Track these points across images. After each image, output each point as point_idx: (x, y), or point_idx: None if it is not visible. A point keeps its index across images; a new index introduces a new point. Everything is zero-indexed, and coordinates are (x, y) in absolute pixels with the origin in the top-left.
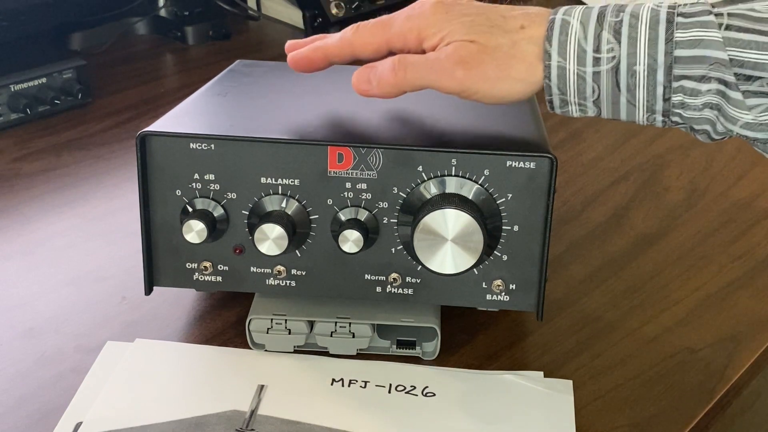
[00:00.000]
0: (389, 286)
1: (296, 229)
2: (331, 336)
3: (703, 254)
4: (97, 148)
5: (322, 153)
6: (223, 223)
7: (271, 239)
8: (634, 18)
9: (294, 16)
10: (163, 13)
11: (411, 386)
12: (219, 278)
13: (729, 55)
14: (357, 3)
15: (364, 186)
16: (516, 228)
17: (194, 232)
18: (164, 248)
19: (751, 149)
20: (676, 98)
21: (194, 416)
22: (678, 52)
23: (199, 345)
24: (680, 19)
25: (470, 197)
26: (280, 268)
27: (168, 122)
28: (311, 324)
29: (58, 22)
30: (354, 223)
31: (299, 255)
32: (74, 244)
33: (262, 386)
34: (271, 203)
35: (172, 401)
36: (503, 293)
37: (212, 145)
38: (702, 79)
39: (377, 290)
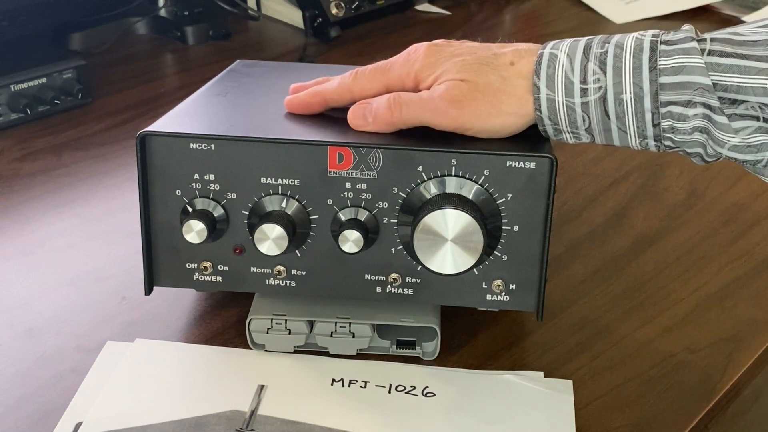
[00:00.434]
0: (389, 286)
1: (296, 229)
2: (331, 336)
3: (703, 254)
4: (97, 148)
5: (322, 153)
6: (223, 223)
7: (271, 239)
8: (619, 48)
9: (294, 16)
10: (163, 13)
11: (411, 386)
12: (219, 278)
13: (712, 80)
14: (357, 3)
15: (364, 186)
16: (516, 228)
17: (194, 232)
18: (164, 248)
19: None
20: (666, 123)
21: (194, 416)
22: (663, 79)
23: (199, 345)
24: (663, 47)
25: (470, 197)
26: (280, 268)
27: (168, 122)
28: (311, 324)
29: (58, 22)
30: (354, 223)
31: (299, 255)
32: (74, 244)
33: (262, 386)
34: (271, 203)
35: (172, 401)
36: (503, 293)
37: (212, 145)
38: (688, 104)
39: (377, 290)
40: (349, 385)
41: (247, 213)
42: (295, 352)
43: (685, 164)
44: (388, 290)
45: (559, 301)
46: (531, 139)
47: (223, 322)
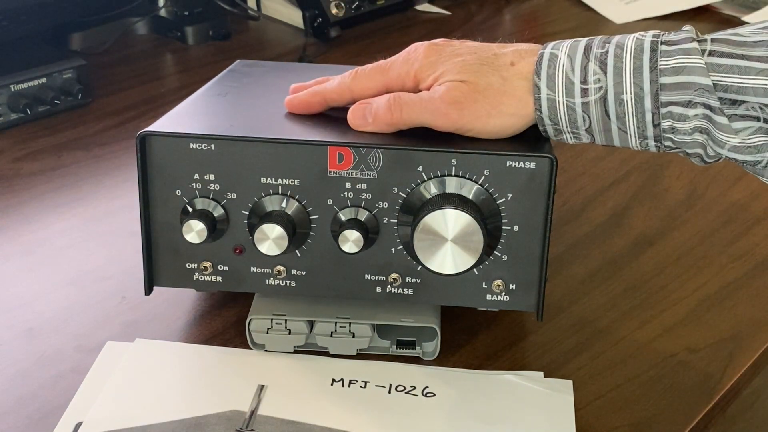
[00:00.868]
0: (389, 286)
1: (296, 229)
2: (331, 336)
3: (703, 254)
4: (97, 148)
5: (322, 153)
6: (223, 223)
7: (271, 239)
8: (619, 48)
9: (294, 16)
10: (163, 13)
11: (411, 386)
12: (219, 278)
13: (713, 80)
14: (357, 3)
15: (364, 186)
16: (516, 228)
17: (194, 232)
18: (164, 248)
19: None
20: (666, 124)
21: (194, 416)
22: (663, 80)
23: (199, 345)
24: (664, 47)
25: (470, 197)
26: (280, 268)
27: (168, 122)
28: (311, 324)
29: (58, 22)
30: (354, 223)
31: (299, 255)
32: (74, 244)
33: (262, 386)
34: (271, 203)
35: (172, 401)
36: (503, 293)
37: (212, 145)
38: (688, 104)
39: (377, 290)
40: (349, 385)
41: (247, 213)
42: (295, 352)
43: (685, 164)
44: (388, 290)
45: (559, 301)
46: (531, 139)
47: (223, 322)
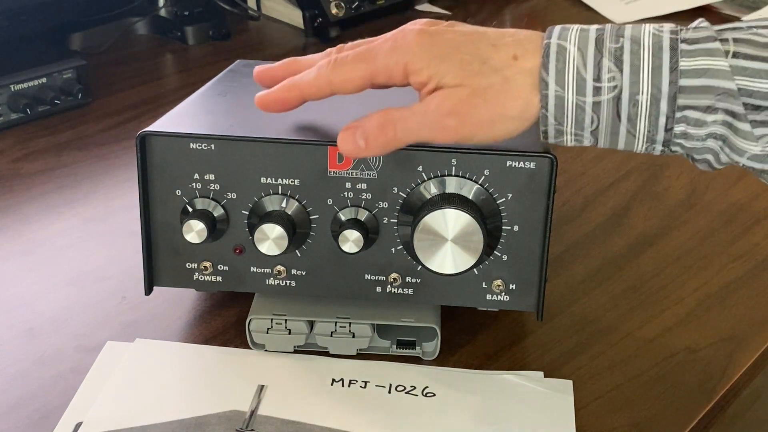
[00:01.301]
0: (389, 286)
1: (296, 229)
2: (331, 336)
3: (703, 254)
4: (97, 148)
5: (322, 153)
6: (223, 223)
7: (271, 239)
8: (636, 44)
9: (294, 16)
10: (163, 13)
11: (411, 386)
12: (219, 278)
13: (737, 84)
14: (357, 3)
15: (364, 186)
16: (516, 228)
17: (194, 232)
18: (164, 248)
19: None
20: (679, 128)
21: (194, 416)
22: (683, 82)
23: (199, 345)
24: (684, 46)
25: (470, 197)
26: (280, 268)
27: (168, 122)
28: (311, 324)
29: (58, 22)
30: (354, 223)
31: (299, 255)
32: (74, 244)
33: (262, 386)
34: (271, 203)
35: (172, 401)
36: (503, 293)
37: (212, 145)
38: (708, 109)
39: (377, 290)
40: (349, 385)
41: (247, 213)
42: (295, 352)
43: (686, 164)
44: (388, 290)
45: (559, 301)
46: (531, 138)
47: (223, 322)
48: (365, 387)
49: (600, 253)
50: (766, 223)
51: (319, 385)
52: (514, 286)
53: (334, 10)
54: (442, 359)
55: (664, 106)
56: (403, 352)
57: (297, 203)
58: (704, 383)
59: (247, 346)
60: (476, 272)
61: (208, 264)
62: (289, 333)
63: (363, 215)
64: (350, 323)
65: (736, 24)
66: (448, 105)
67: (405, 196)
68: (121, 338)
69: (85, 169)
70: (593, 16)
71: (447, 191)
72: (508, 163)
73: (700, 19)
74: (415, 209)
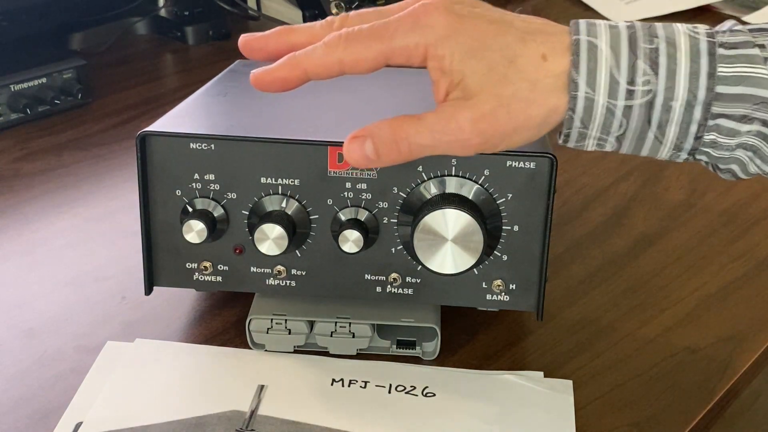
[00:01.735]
0: (389, 286)
1: (296, 229)
2: (331, 336)
3: (703, 254)
4: (97, 148)
5: (322, 153)
6: (223, 223)
7: (271, 239)
8: (672, 47)
9: (294, 16)
10: (163, 13)
11: (411, 386)
12: (219, 278)
13: None
14: (357, 3)
15: (364, 186)
16: (516, 228)
17: (194, 232)
18: (164, 248)
19: None
20: (709, 137)
21: (194, 416)
22: (720, 89)
23: (199, 345)
24: (722, 51)
25: (470, 197)
26: (280, 268)
27: (168, 122)
28: (311, 324)
29: (58, 22)
30: (354, 223)
31: (299, 255)
32: (74, 244)
33: (262, 386)
34: (271, 203)
35: (172, 401)
36: (503, 293)
37: (212, 145)
38: (743, 119)
39: (377, 290)
40: (349, 385)
41: (247, 213)
42: (295, 352)
43: (685, 164)
44: (388, 290)
45: (559, 301)
46: None
47: (223, 322)
48: (365, 387)
49: (600, 253)
50: (766, 223)
51: (319, 385)
52: (514, 286)
53: (334, 10)
54: (442, 359)
55: (697, 113)
56: (403, 352)
57: (297, 203)
58: (704, 383)
59: (247, 346)
60: (476, 272)
61: (208, 264)
62: (289, 333)
63: (363, 215)
64: (350, 323)
65: (763, 25)
66: (470, 121)
67: (405, 196)
68: (121, 338)
69: (85, 169)
70: (593, 16)
71: (447, 191)
72: (508, 163)
73: (732, 22)
74: (415, 209)
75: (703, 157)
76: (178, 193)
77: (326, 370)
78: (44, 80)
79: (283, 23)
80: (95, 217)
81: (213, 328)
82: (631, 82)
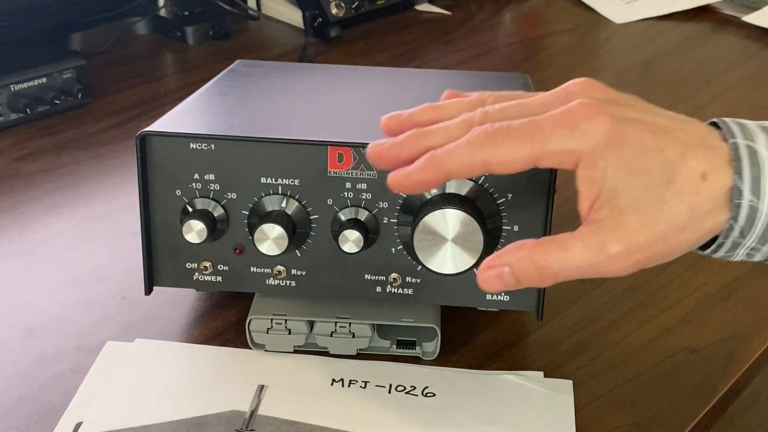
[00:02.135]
0: (389, 286)
1: (296, 229)
2: (331, 336)
3: None
4: (97, 148)
5: (322, 153)
6: (223, 223)
7: (271, 239)
8: None
9: (294, 16)
10: (163, 13)
11: (411, 386)
12: (219, 278)
13: None
14: (357, 3)
15: (364, 186)
16: (516, 228)
17: (194, 232)
18: (164, 248)
19: None
20: None
21: (194, 416)
22: None
23: (199, 345)
24: None
25: (470, 197)
26: (280, 268)
27: (168, 122)
28: (311, 324)
29: (58, 22)
30: (354, 223)
31: (299, 255)
32: (74, 244)
33: (262, 386)
34: (271, 203)
35: (172, 401)
36: (503, 293)
37: (212, 145)
38: None
39: (377, 290)
40: (349, 385)
41: (247, 213)
42: (295, 352)
43: None
44: (388, 290)
45: (559, 301)
46: None
47: (223, 322)
48: (365, 387)
49: None
50: None
51: (319, 385)
52: None
53: (334, 10)
54: (442, 359)
55: None
56: (403, 352)
57: (297, 203)
58: (704, 383)
59: (247, 346)
60: (476, 272)
61: (208, 264)
62: (289, 333)
63: (363, 215)
64: (350, 323)
65: None
66: (622, 255)
67: (405, 196)
68: (121, 338)
69: (85, 169)
70: (593, 16)
71: (447, 191)
72: None
73: None
74: (415, 209)
75: None
76: (178, 193)
77: (326, 370)
78: (44, 80)
79: (283, 23)
80: (95, 217)
81: (213, 328)
82: None
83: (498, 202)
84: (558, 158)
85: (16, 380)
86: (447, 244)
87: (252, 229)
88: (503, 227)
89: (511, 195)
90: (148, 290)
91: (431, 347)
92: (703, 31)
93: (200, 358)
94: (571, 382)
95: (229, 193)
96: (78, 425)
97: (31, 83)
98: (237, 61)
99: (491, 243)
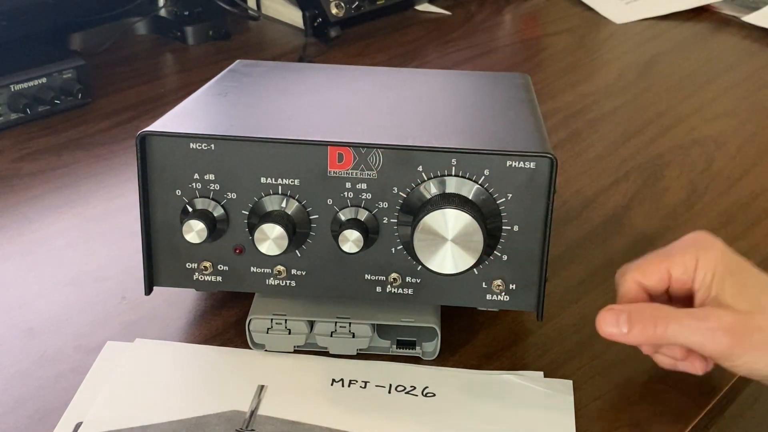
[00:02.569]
0: (389, 286)
1: (296, 229)
2: (331, 336)
3: None
4: (97, 148)
5: (322, 153)
6: (223, 223)
7: (271, 239)
8: None
9: (294, 16)
10: (163, 13)
11: (411, 386)
12: (219, 278)
13: None
14: (357, 3)
15: (364, 186)
16: (516, 228)
17: (194, 232)
18: (164, 248)
19: (751, 149)
20: None
21: (194, 416)
22: None
23: (199, 345)
24: None
25: (470, 197)
26: (280, 268)
27: (168, 122)
28: (311, 324)
29: (58, 22)
30: (354, 223)
31: (299, 255)
32: (74, 244)
33: (262, 386)
34: (271, 203)
35: (172, 401)
36: (503, 293)
37: (212, 145)
38: None
39: (377, 290)
40: (349, 385)
41: (247, 213)
42: (295, 352)
43: (686, 164)
44: (388, 290)
45: (559, 301)
46: (531, 139)
47: (223, 322)
48: (365, 387)
49: (600, 253)
50: (766, 223)
51: (319, 385)
52: (514, 286)
53: (334, 10)
54: (442, 359)
55: None
56: (403, 352)
57: (297, 203)
58: (704, 383)
59: (247, 346)
60: (476, 272)
61: (208, 264)
62: (289, 333)
63: (363, 215)
64: (350, 323)
65: None
66: (727, 323)
67: (405, 196)
68: (121, 338)
69: (85, 169)
70: (593, 16)
71: (447, 191)
72: (508, 163)
73: None
74: (415, 209)
75: None
76: (178, 193)
77: (326, 370)
78: (44, 80)
79: (283, 23)
80: (95, 217)
81: (213, 328)
82: None
83: (498, 202)
84: (684, 265)
85: (16, 380)
86: (447, 244)
87: (252, 229)
88: (503, 227)
89: (511, 195)
90: (148, 290)
91: (431, 347)
92: (703, 31)
93: (200, 358)
94: (571, 382)
95: (229, 193)
96: (78, 425)
97: (31, 83)
98: (237, 61)
99: (491, 243)
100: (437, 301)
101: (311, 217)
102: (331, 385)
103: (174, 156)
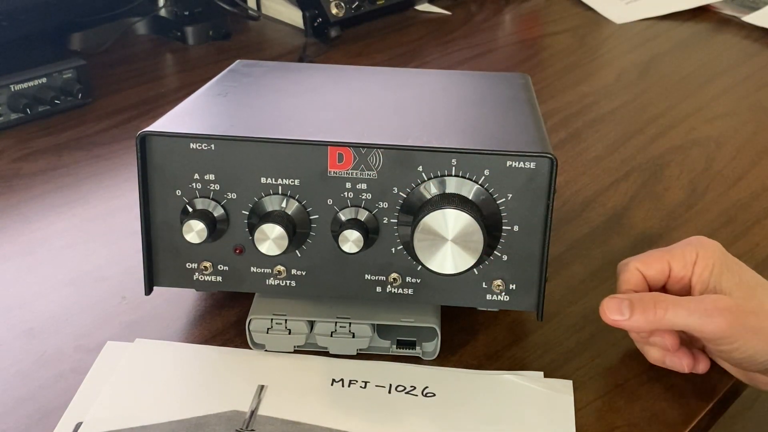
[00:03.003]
0: (389, 286)
1: (296, 229)
2: (331, 336)
3: None
4: (97, 148)
5: (322, 153)
6: (223, 223)
7: (271, 239)
8: None
9: (294, 16)
10: (163, 13)
11: (411, 386)
12: (219, 278)
13: None
14: (357, 3)
15: (364, 186)
16: (516, 228)
17: (194, 232)
18: (164, 248)
19: (751, 149)
20: None
21: (194, 416)
22: None
23: (199, 345)
24: None
25: (470, 197)
26: (280, 268)
27: (168, 122)
28: (311, 324)
29: (58, 22)
30: (354, 223)
31: (299, 255)
32: (74, 244)
33: (262, 386)
34: (271, 203)
35: (173, 401)
36: (503, 293)
37: (212, 145)
38: None
39: (377, 290)
40: (349, 385)
41: (247, 213)
42: (295, 352)
43: (685, 164)
44: (388, 290)
45: (559, 301)
46: (531, 139)
47: (223, 322)
48: (365, 387)
49: (600, 253)
50: (766, 223)
51: (319, 385)
52: (514, 286)
53: (334, 10)
54: (442, 359)
55: None
56: (403, 352)
57: (297, 203)
58: (704, 383)
59: (247, 346)
60: (476, 272)
61: (208, 264)
62: (289, 333)
63: (363, 215)
64: (350, 323)
65: None
66: (724, 305)
67: (405, 196)
68: (121, 338)
69: (85, 169)
70: (593, 16)
71: (447, 191)
72: (508, 163)
73: None
74: (415, 209)
75: None
76: (178, 193)
77: (326, 370)
78: (44, 80)
79: (283, 23)
80: (95, 217)
81: (213, 328)
82: None
83: (498, 202)
84: (683, 258)
85: (16, 380)
86: (447, 244)
87: (252, 229)
88: (503, 227)
89: (511, 195)
90: (148, 290)
91: (431, 347)
92: (703, 31)
93: (200, 358)
94: (571, 382)
95: (229, 193)
96: (78, 425)
97: (31, 83)
98: (237, 61)
99: (491, 243)
100: (437, 301)
101: (311, 217)
102: (331, 385)
103: (174, 156)
